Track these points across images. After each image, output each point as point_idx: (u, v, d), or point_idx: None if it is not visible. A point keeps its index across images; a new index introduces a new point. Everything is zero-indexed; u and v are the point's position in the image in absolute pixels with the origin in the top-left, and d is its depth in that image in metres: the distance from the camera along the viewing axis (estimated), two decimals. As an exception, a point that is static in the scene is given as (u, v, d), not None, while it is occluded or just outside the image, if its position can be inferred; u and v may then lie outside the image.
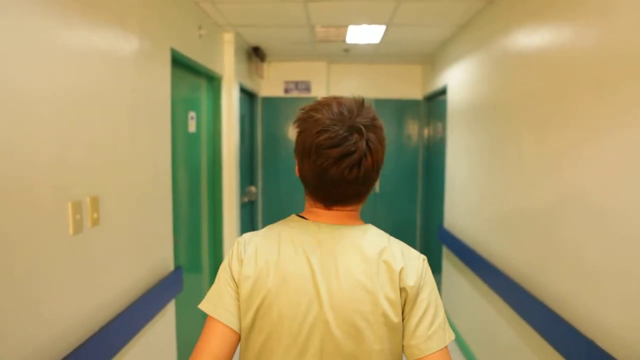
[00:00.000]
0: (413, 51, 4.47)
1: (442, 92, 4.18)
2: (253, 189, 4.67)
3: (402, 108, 5.24)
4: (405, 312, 0.95)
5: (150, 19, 2.23)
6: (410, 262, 0.97)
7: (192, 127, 3.10)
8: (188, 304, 2.79)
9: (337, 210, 1.02)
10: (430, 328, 0.94)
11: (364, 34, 3.78)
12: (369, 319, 0.92)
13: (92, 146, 1.69)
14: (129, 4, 2.00)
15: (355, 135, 0.93)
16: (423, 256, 1.01)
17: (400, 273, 0.94)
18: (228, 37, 3.66)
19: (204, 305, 1.00)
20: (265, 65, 4.87)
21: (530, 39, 2.28)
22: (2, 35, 1.25)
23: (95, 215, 1.70)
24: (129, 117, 1.99)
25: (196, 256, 3.29)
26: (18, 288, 1.31)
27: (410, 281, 0.95)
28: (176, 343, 2.60)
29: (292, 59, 4.98)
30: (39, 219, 1.39)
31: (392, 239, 1.02)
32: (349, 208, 1.02)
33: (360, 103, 0.99)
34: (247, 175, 4.67)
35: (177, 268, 2.54)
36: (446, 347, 0.94)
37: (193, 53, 2.87)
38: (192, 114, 3.10)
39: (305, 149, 0.96)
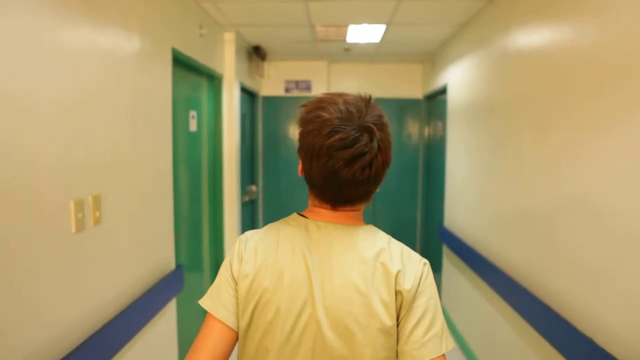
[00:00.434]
0: (413, 50, 4.47)
1: (443, 91, 4.18)
2: (254, 188, 4.67)
3: (402, 107, 5.24)
4: (401, 317, 0.93)
5: (152, 19, 2.23)
6: (410, 265, 0.95)
7: (193, 126, 3.11)
8: (189, 302, 2.80)
9: (342, 210, 1.00)
10: (426, 335, 0.91)
11: (365, 33, 3.78)
12: (361, 321, 0.90)
13: (94, 145, 1.70)
14: (131, 3, 2.00)
15: (366, 136, 0.91)
16: (425, 260, 0.98)
17: (396, 276, 0.92)
18: (229, 37, 3.67)
19: (203, 302, 1.01)
20: (265, 65, 4.87)
21: (531, 38, 2.29)
22: (3, 35, 1.25)
23: (97, 213, 1.71)
24: (130, 116, 2.00)
25: (197, 255, 3.30)
26: (20, 286, 1.32)
27: (406, 284, 0.92)
28: (177, 342, 2.61)
29: (293, 58, 4.99)
30: (41, 218, 1.40)
31: (394, 241, 1.00)
32: (355, 208, 1.01)
33: (367, 101, 0.96)
34: (248, 174, 4.67)
35: (178, 267, 2.55)
36: (443, 355, 0.91)
37: (194, 52, 2.88)
38: (193, 113, 3.10)
39: (314, 151, 0.92)
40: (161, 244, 2.38)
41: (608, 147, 1.62)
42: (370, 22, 3.46)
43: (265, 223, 1.06)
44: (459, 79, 3.65)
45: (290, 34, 3.85)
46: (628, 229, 1.50)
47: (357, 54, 4.71)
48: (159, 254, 2.35)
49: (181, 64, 2.77)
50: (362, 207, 1.03)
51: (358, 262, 0.93)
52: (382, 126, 0.94)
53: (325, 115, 0.92)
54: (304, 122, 0.96)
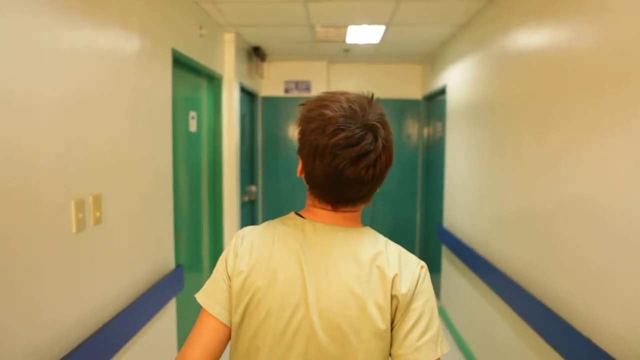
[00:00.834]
0: (413, 51, 4.48)
1: (442, 91, 4.19)
2: (253, 188, 4.68)
3: (402, 108, 5.25)
4: (396, 320, 0.91)
5: (152, 19, 2.24)
6: (407, 268, 0.93)
7: (192, 127, 3.11)
8: (189, 302, 2.80)
9: (342, 212, 0.98)
10: (421, 339, 0.89)
11: (364, 34, 3.79)
12: (355, 324, 0.89)
13: (94, 145, 1.70)
14: (131, 3, 2.00)
15: (370, 134, 0.89)
16: (422, 263, 0.97)
17: (393, 280, 0.90)
18: (229, 37, 3.67)
19: (199, 296, 1.01)
20: (265, 65, 4.88)
21: (530, 38, 2.29)
22: (4, 35, 1.26)
23: (98, 213, 1.71)
24: (130, 116, 2.00)
25: (197, 255, 3.30)
26: (21, 286, 1.32)
27: (402, 289, 0.90)
28: (177, 341, 2.62)
29: (293, 59, 4.99)
30: (42, 218, 1.41)
31: (391, 243, 0.98)
32: (355, 209, 1.00)
33: (369, 99, 0.94)
34: (248, 174, 4.68)
35: (178, 266, 2.55)
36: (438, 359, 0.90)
37: (194, 53, 2.88)
38: (192, 113, 3.11)
39: (318, 150, 0.90)
40: (161, 243, 2.38)
41: (608, 147, 1.62)
42: (369, 23, 3.47)
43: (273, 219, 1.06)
44: (458, 79, 3.65)
45: (290, 34, 3.85)
46: (627, 229, 1.50)
47: (357, 55, 4.71)
48: (159, 254, 2.35)
49: (181, 64, 2.77)
50: (361, 208, 1.02)
51: (354, 265, 0.92)
52: (385, 125, 0.93)
53: (329, 113, 0.90)
54: (305, 121, 0.94)
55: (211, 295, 0.99)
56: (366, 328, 0.89)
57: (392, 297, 0.90)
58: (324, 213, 0.99)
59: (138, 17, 2.08)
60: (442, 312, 4.05)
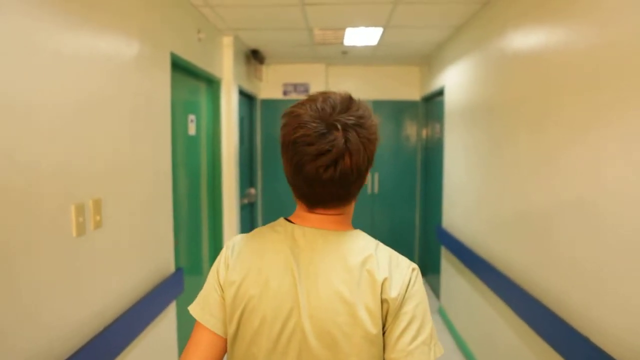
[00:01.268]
0: (410, 53, 4.50)
1: (440, 93, 4.20)
2: (253, 190, 4.69)
3: (400, 109, 5.27)
4: (387, 325, 0.90)
5: (151, 23, 2.25)
6: (397, 272, 0.92)
7: (192, 130, 3.12)
8: (189, 305, 2.80)
9: (320, 213, 0.97)
10: (412, 343, 0.88)
11: (362, 36, 3.81)
12: (346, 330, 0.88)
13: (94, 149, 1.71)
14: (130, 8, 2.02)
15: (334, 133, 0.88)
16: (414, 266, 0.95)
17: (383, 284, 0.89)
18: (227, 41, 3.68)
19: (193, 309, 1.02)
20: (264, 68, 4.89)
21: (526, 39, 2.31)
22: (4, 40, 1.27)
23: (98, 217, 1.72)
24: (130, 120, 2.01)
25: (197, 258, 3.31)
26: (21, 290, 1.33)
27: (392, 292, 0.89)
28: (177, 344, 2.62)
29: (291, 62, 5.01)
30: (42, 222, 1.41)
31: (382, 246, 0.97)
32: (331, 212, 0.98)
33: (347, 99, 0.94)
34: (247, 177, 4.69)
35: (178, 269, 2.56)
36: None
37: (193, 57, 2.90)
38: (191, 117, 3.12)
39: (284, 145, 0.93)
40: (161, 247, 2.39)
41: (605, 148, 1.63)
42: (367, 25, 3.48)
43: (264, 225, 1.06)
44: (456, 80, 3.67)
45: (288, 37, 3.87)
46: (625, 230, 1.51)
47: (355, 57, 4.73)
48: (159, 257, 2.36)
49: (180, 68, 2.78)
50: (347, 211, 1.01)
51: (343, 270, 0.91)
52: (357, 126, 0.90)
53: (300, 111, 0.92)
54: (282, 118, 0.96)
55: (205, 308, 1.00)
56: (357, 333, 0.88)
57: (383, 301, 0.90)
58: (310, 217, 0.98)
59: (138, 21, 2.09)
60: (441, 312, 4.06)
